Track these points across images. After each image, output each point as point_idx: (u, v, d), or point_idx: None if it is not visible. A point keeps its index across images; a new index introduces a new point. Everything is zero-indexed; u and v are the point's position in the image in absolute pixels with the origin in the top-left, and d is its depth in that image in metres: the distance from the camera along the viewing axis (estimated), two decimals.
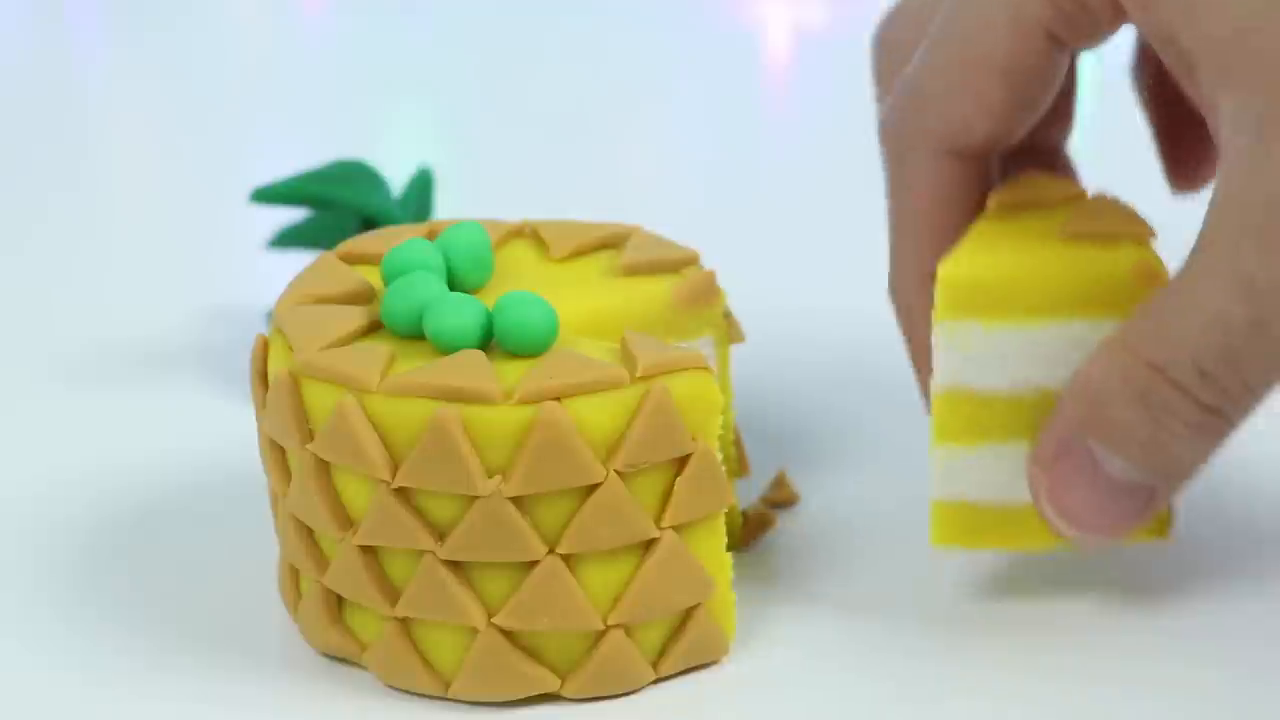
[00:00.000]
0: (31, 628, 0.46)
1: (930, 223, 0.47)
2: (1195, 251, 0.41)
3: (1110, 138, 0.56)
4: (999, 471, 0.44)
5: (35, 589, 0.48)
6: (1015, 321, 0.43)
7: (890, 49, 0.50)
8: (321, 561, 0.44)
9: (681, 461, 0.42)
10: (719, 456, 0.42)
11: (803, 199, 0.71)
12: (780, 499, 0.50)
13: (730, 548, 0.48)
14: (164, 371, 0.59)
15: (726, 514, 0.47)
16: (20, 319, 0.63)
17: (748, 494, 0.51)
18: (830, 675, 0.44)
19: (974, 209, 0.47)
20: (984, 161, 0.47)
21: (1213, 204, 0.41)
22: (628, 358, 0.42)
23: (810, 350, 0.59)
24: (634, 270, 0.46)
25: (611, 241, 0.48)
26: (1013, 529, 0.45)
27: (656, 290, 0.46)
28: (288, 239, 0.59)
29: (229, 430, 0.55)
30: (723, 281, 0.58)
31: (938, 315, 0.43)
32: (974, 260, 0.43)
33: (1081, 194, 0.46)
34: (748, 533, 0.49)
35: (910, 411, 0.54)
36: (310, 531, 0.44)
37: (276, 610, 0.47)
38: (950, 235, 0.47)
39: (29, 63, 0.89)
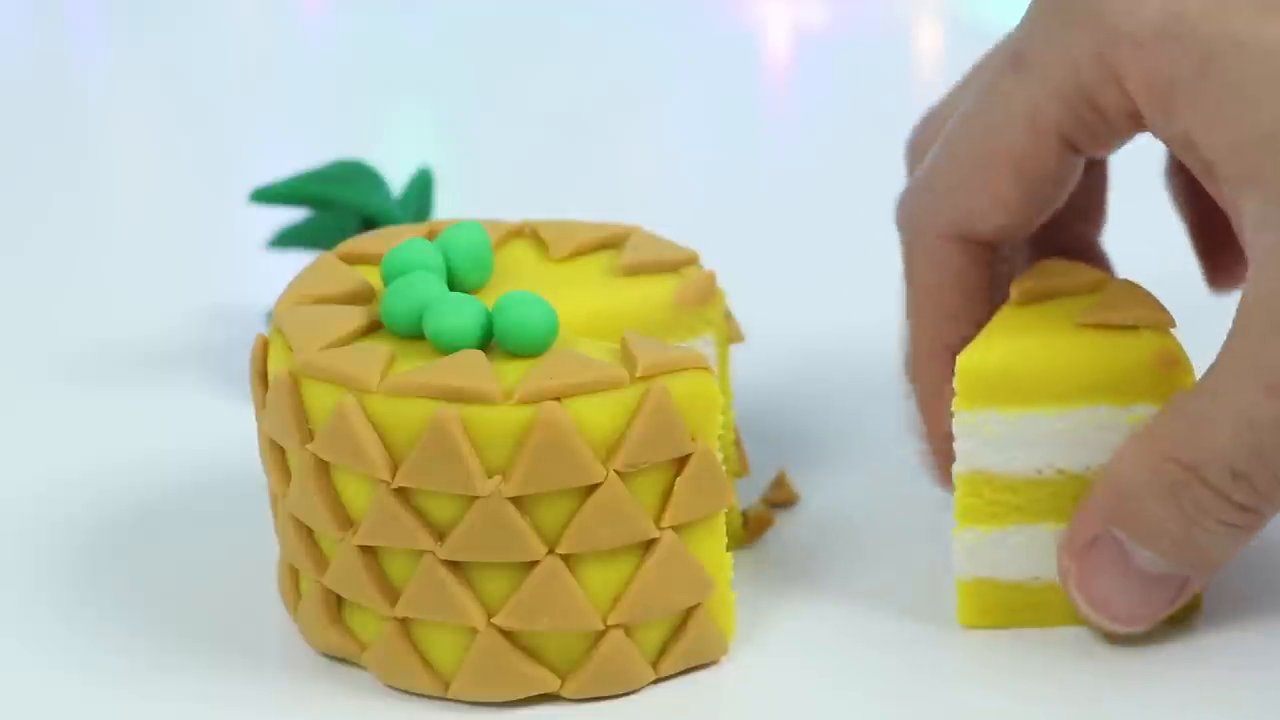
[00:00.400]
0: (31, 628, 0.46)
1: (941, 304, 0.47)
2: (1224, 349, 0.41)
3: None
4: (1024, 551, 0.44)
5: (35, 589, 0.48)
6: (1035, 408, 0.43)
7: (921, 153, 0.50)
8: (321, 561, 0.44)
9: (681, 461, 0.42)
10: (719, 456, 0.42)
11: (803, 199, 0.71)
12: (780, 499, 0.50)
13: (730, 547, 0.48)
14: (164, 371, 0.59)
15: (726, 514, 0.47)
16: (20, 319, 0.63)
17: (748, 494, 0.51)
18: (830, 675, 0.44)
19: (987, 292, 0.47)
20: (996, 248, 0.47)
21: (1242, 303, 0.41)
22: (628, 358, 0.42)
23: (810, 350, 0.59)
24: (634, 270, 0.46)
25: (611, 241, 0.48)
26: (1039, 607, 0.45)
27: (656, 290, 0.46)
28: (288, 239, 0.59)
29: (229, 430, 0.55)
30: (723, 281, 0.58)
31: (957, 404, 0.43)
32: (993, 349, 0.43)
33: (1105, 279, 0.45)
34: (748, 533, 0.49)
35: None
36: (310, 531, 0.44)
37: (276, 610, 0.47)
38: (963, 317, 0.47)
39: (29, 63, 0.89)
